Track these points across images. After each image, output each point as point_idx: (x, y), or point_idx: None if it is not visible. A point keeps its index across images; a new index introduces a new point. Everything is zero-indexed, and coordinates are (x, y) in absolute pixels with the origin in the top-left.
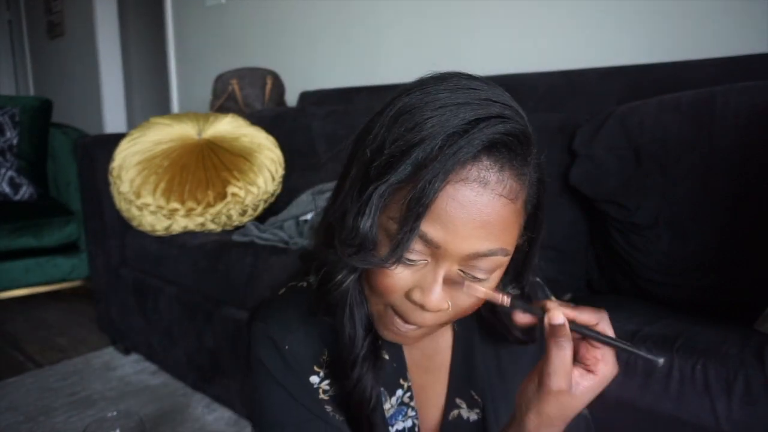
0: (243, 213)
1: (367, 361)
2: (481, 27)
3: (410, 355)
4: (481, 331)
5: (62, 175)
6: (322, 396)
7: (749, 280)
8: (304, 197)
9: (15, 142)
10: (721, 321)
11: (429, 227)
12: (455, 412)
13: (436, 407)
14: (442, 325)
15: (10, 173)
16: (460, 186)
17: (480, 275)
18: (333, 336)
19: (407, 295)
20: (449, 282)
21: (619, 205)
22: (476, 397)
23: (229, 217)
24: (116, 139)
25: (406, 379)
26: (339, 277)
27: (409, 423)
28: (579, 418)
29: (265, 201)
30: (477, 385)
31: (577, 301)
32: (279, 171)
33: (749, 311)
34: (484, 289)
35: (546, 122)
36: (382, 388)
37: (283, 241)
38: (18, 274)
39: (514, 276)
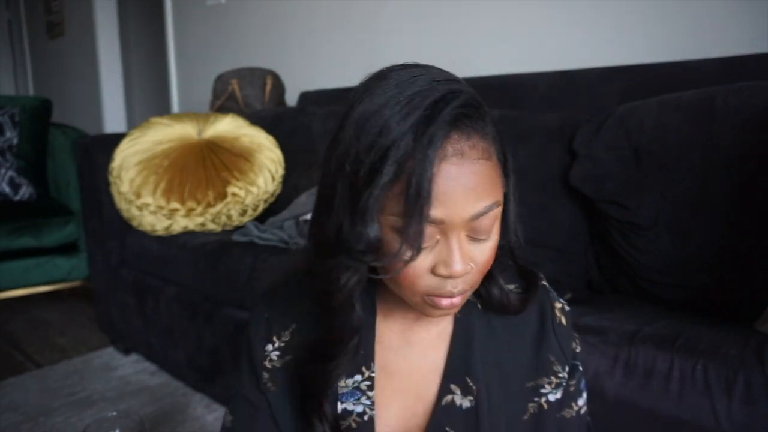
0: (243, 213)
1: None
2: (481, 27)
3: (390, 343)
4: (481, 315)
5: (62, 175)
6: (265, 363)
7: (749, 280)
8: (304, 198)
9: (15, 142)
10: (721, 321)
11: (431, 210)
12: (449, 397)
13: (428, 391)
14: (476, 282)
15: (10, 173)
16: (443, 165)
17: (483, 234)
18: (310, 318)
19: (434, 273)
20: (463, 246)
21: (619, 205)
22: (471, 384)
23: (229, 217)
24: (116, 139)
25: (369, 368)
26: (342, 280)
27: (359, 408)
28: (581, 422)
29: (265, 201)
30: (473, 372)
31: (577, 301)
32: (279, 171)
33: (749, 311)
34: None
35: (546, 122)
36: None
37: (283, 241)
38: (18, 274)
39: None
